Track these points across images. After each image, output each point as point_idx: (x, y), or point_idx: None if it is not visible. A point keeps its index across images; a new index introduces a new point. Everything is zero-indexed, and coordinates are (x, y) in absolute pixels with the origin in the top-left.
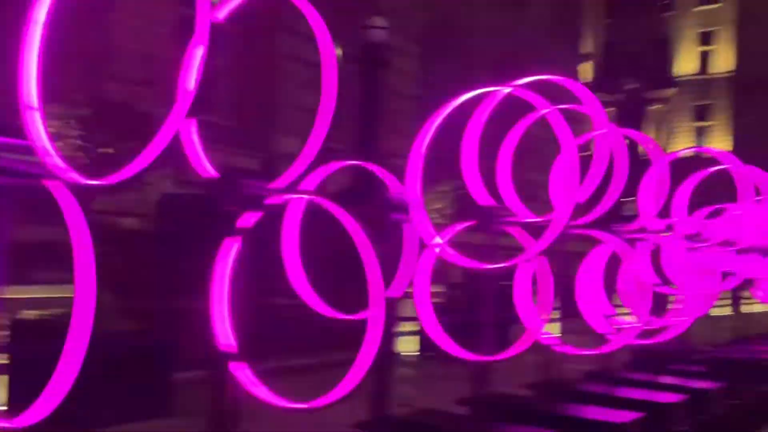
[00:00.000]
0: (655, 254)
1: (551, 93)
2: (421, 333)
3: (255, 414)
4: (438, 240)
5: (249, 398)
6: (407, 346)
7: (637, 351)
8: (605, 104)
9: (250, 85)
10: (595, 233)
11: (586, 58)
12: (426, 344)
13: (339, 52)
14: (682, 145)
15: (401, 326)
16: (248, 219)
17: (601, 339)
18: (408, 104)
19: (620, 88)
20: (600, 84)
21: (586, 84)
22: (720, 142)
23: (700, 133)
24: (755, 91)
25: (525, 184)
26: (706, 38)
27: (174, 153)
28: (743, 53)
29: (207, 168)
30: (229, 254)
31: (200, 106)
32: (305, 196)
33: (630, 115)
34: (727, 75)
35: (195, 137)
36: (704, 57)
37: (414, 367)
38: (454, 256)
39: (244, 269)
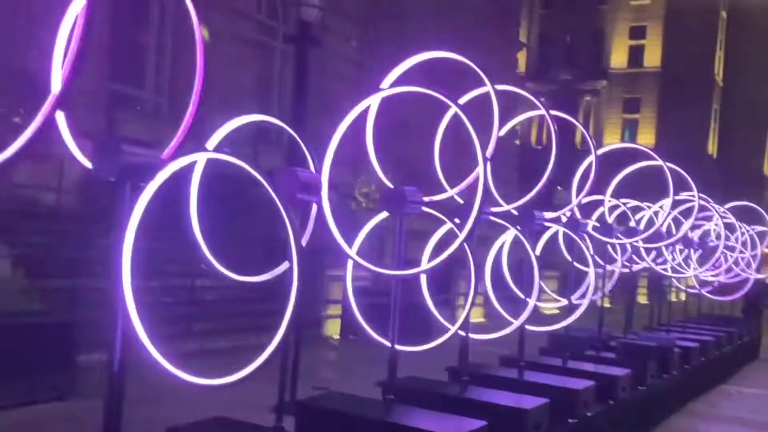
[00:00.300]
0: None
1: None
2: (343, 316)
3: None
4: (331, 224)
5: (158, 381)
6: (334, 329)
7: (554, 337)
8: (539, 94)
9: (181, 62)
10: (502, 219)
11: (524, 46)
12: (348, 327)
13: (206, 33)
14: (611, 136)
15: (328, 309)
16: (145, 190)
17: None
18: (347, 87)
19: (554, 78)
20: (534, 74)
21: (521, 74)
22: (646, 134)
23: (628, 125)
24: (679, 87)
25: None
26: (637, 33)
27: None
28: (669, 50)
29: (81, 160)
30: (126, 229)
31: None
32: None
33: (563, 105)
34: (655, 70)
35: (65, 127)
36: (635, 51)
37: (337, 350)
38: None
39: (145, 246)
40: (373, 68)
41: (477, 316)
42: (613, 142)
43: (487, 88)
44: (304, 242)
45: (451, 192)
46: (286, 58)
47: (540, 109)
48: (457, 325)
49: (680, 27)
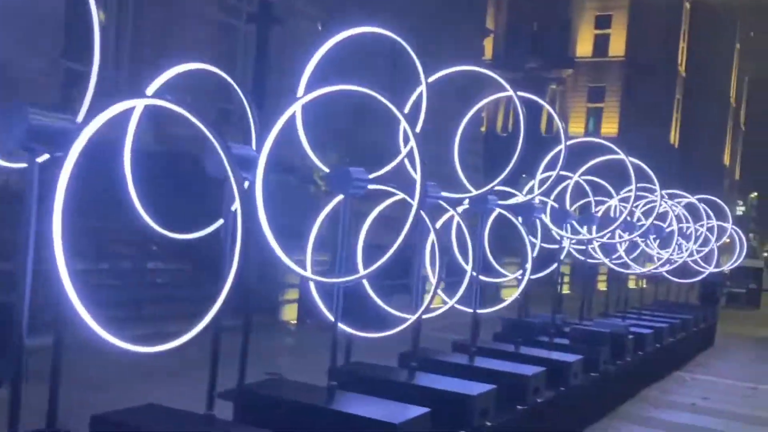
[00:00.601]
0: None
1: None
2: (300, 300)
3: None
4: (260, 207)
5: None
6: (291, 313)
7: (508, 322)
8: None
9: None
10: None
11: (490, 33)
12: (306, 312)
13: (102, 16)
14: (576, 124)
15: (285, 294)
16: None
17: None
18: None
19: (520, 66)
20: (500, 62)
21: (487, 62)
22: (610, 123)
23: (592, 114)
24: (643, 77)
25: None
26: (602, 22)
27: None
28: (634, 39)
29: None
30: (55, 206)
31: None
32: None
33: (529, 93)
34: (619, 59)
35: None
36: (600, 40)
37: (294, 335)
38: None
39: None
40: (336, 51)
41: (438, 302)
42: (577, 130)
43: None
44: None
45: (387, 168)
46: (250, 39)
47: (508, 90)
48: (418, 313)
49: (645, 17)
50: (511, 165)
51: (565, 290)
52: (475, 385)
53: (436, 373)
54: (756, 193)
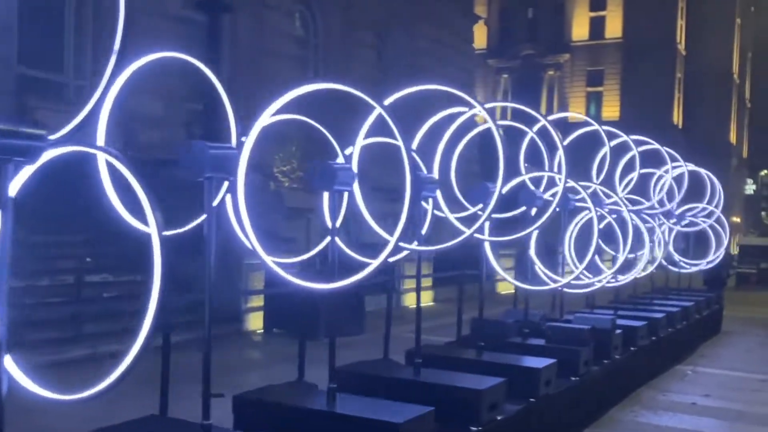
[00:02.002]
0: None
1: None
2: (266, 308)
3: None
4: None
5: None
6: (256, 322)
7: (478, 322)
8: (500, 70)
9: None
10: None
11: (479, 19)
12: (272, 320)
13: None
14: (576, 109)
15: (249, 301)
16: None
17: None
18: (286, 64)
19: (516, 54)
20: (496, 50)
21: (482, 51)
22: (610, 107)
23: (593, 98)
24: (641, 58)
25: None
26: (597, 4)
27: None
28: (630, 20)
29: None
30: None
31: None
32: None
33: (526, 81)
34: (616, 41)
35: None
36: (596, 23)
37: (260, 346)
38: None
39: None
40: (318, 46)
41: (426, 300)
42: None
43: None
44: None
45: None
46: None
47: (475, 106)
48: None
49: None
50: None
51: (508, 288)
52: (403, 407)
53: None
54: (766, 171)
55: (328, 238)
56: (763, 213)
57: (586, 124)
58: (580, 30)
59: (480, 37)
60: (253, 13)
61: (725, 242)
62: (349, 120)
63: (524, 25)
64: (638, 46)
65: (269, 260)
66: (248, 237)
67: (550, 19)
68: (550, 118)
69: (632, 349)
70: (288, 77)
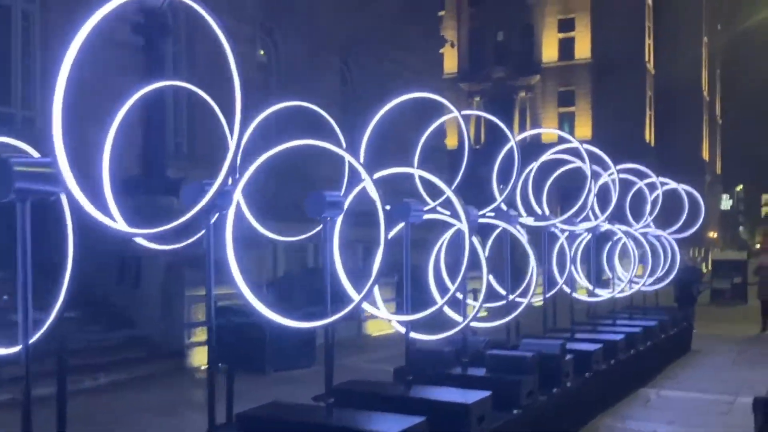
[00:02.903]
0: None
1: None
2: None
3: None
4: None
5: None
6: (200, 358)
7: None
8: (472, 93)
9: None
10: None
11: (446, 42)
12: (218, 354)
13: None
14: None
15: (192, 335)
16: None
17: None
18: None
19: (487, 77)
20: (467, 74)
21: (453, 75)
22: (582, 126)
23: (565, 119)
24: (611, 77)
25: None
26: (566, 25)
27: None
28: (599, 40)
29: None
30: None
31: None
32: None
33: (498, 103)
34: (586, 61)
35: None
36: (565, 44)
37: (203, 384)
38: None
39: None
40: (281, 71)
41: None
42: (550, 137)
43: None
44: None
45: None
46: (177, 60)
47: (453, 112)
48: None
49: (607, 17)
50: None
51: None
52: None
53: None
54: (741, 186)
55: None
56: (740, 228)
57: (559, 144)
58: (549, 51)
59: (451, 60)
60: (212, 39)
61: (677, 259)
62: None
63: (494, 48)
64: (608, 65)
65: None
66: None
67: (520, 41)
68: (523, 135)
69: (587, 375)
70: (249, 103)
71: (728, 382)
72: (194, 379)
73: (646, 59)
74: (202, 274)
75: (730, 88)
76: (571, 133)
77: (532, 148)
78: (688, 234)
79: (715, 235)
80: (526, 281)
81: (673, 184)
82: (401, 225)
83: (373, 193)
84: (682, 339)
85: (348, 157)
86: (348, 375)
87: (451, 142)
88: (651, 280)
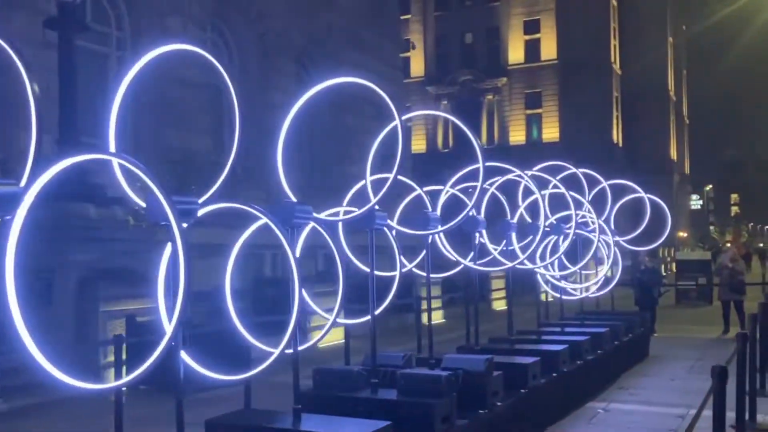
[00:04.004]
0: None
1: None
2: (129, 361)
3: None
4: None
5: None
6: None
7: (320, 373)
8: (440, 97)
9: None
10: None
11: (408, 43)
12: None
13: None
14: (516, 133)
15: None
16: None
17: None
18: (195, 92)
19: (454, 80)
20: (434, 77)
21: (420, 78)
22: (550, 128)
23: (532, 120)
24: (577, 79)
25: None
26: (531, 27)
27: None
28: (564, 41)
29: None
30: None
31: None
32: None
33: (466, 106)
34: (552, 63)
35: None
36: (531, 45)
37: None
38: None
39: None
40: (233, 75)
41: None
42: (518, 139)
43: None
44: None
45: None
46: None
47: (395, 119)
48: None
49: (572, 18)
50: (390, 181)
51: (502, 305)
52: None
53: None
54: (711, 186)
55: None
56: (711, 227)
57: (529, 145)
58: (516, 53)
59: (418, 64)
60: (154, 40)
61: (619, 264)
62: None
63: (460, 51)
64: (574, 66)
65: None
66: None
67: (486, 44)
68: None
69: (523, 391)
70: (199, 105)
71: (680, 393)
72: (110, 402)
73: (612, 60)
74: (120, 288)
75: (698, 88)
76: (539, 135)
77: (501, 148)
78: (653, 246)
79: (686, 234)
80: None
81: (640, 193)
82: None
83: None
84: (639, 345)
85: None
86: (275, 394)
87: (418, 146)
88: (596, 286)
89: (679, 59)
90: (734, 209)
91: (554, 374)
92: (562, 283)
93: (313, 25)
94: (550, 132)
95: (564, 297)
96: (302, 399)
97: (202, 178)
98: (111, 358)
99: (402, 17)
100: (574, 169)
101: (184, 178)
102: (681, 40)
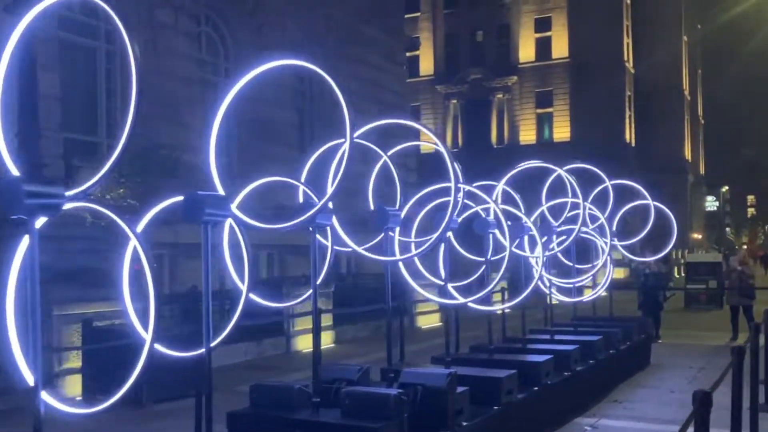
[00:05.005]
0: None
1: None
2: (85, 370)
3: None
4: None
5: None
6: (74, 388)
7: (258, 389)
8: (449, 96)
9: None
10: None
11: (411, 40)
12: (94, 385)
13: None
14: (527, 132)
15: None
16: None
17: None
18: (188, 86)
19: (464, 79)
20: (443, 76)
21: (430, 77)
22: (561, 127)
23: (543, 120)
24: (590, 77)
25: None
26: (542, 25)
27: None
28: (576, 39)
29: None
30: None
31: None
32: None
33: (475, 105)
34: (564, 61)
35: None
36: (542, 43)
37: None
38: None
39: None
40: (229, 69)
41: (326, 341)
42: (528, 138)
43: None
44: None
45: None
46: (111, 58)
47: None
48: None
49: (585, 15)
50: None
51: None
52: None
53: None
54: (726, 187)
55: None
56: (727, 229)
57: (539, 145)
58: (526, 51)
59: (427, 63)
60: (143, 32)
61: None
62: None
63: (470, 50)
64: (586, 65)
65: None
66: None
67: (496, 41)
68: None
69: (495, 408)
70: (193, 100)
71: (677, 407)
72: (63, 413)
73: (625, 58)
74: (76, 291)
75: (713, 87)
76: (550, 134)
77: (511, 148)
78: (656, 258)
79: (701, 236)
80: None
81: (647, 199)
82: None
83: None
84: (638, 353)
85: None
86: (238, 405)
87: (427, 145)
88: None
89: (694, 58)
90: (751, 211)
91: (535, 387)
92: (554, 287)
93: (311, 18)
94: (561, 131)
95: (557, 300)
96: (235, 419)
97: (163, 172)
98: (66, 365)
99: (411, 15)
100: (580, 164)
101: (142, 173)
102: (696, 39)
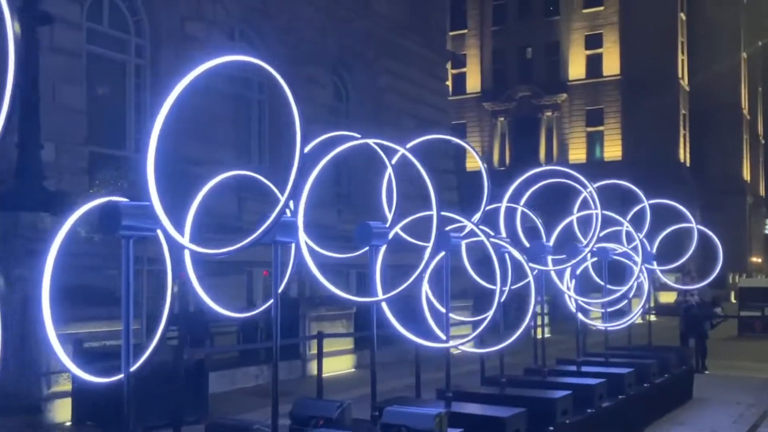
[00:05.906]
0: None
1: None
2: (75, 394)
3: None
4: None
5: None
6: (64, 412)
7: (213, 428)
8: (496, 113)
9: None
10: None
11: (453, 56)
12: (83, 409)
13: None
14: (576, 150)
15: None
16: None
17: None
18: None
19: (512, 96)
20: (491, 93)
21: (477, 94)
22: (612, 146)
23: (594, 138)
24: (642, 95)
25: None
26: (593, 41)
27: None
28: (629, 56)
29: None
30: None
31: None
32: None
33: (523, 123)
34: (615, 78)
35: None
36: (593, 60)
37: None
38: None
39: None
40: (263, 84)
41: (344, 366)
42: (578, 157)
43: None
44: None
45: None
46: (141, 73)
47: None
48: None
49: (638, 32)
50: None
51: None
52: None
53: None
54: None
55: None
56: None
57: (589, 164)
58: (576, 69)
59: (474, 79)
60: (176, 48)
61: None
62: None
63: (519, 66)
64: (638, 82)
65: None
66: None
67: (545, 59)
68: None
69: None
70: (226, 117)
71: None
72: None
73: (680, 75)
74: (70, 310)
75: None
76: (601, 153)
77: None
78: (698, 286)
79: (760, 260)
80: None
81: (691, 223)
82: None
83: None
84: (677, 386)
85: None
86: None
87: (473, 163)
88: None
89: (754, 75)
90: None
91: (551, 428)
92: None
93: (349, 33)
94: (612, 150)
95: (593, 326)
96: None
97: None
98: (55, 388)
99: (458, 32)
100: (616, 181)
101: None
102: (756, 55)
